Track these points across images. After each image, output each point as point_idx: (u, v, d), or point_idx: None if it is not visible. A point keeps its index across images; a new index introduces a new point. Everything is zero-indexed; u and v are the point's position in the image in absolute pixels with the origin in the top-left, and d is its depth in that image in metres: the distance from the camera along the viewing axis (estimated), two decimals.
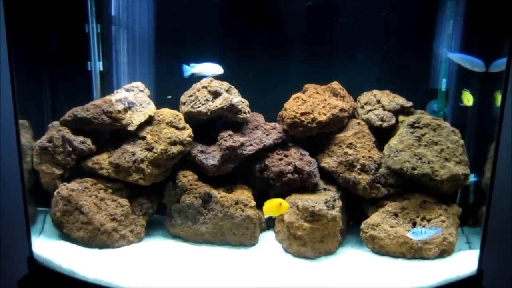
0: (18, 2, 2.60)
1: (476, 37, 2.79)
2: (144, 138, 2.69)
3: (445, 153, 2.55)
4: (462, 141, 2.57)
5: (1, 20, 2.35)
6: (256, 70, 3.06)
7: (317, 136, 2.83)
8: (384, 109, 2.80)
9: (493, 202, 2.36)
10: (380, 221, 2.55)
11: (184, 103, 2.81)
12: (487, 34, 2.74)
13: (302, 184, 2.73)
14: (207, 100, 2.73)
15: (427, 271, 2.35)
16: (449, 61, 2.82)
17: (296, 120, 2.73)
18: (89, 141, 2.69)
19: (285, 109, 2.84)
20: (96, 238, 2.54)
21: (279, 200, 2.39)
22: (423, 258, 2.46)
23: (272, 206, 2.38)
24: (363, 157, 2.69)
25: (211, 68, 2.81)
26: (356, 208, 2.81)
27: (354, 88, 2.94)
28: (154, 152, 2.64)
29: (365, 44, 3.03)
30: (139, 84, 2.88)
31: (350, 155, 2.70)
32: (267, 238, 2.75)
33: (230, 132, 2.71)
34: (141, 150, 2.65)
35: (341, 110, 2.77)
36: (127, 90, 2.83)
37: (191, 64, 2.79)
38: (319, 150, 2.83)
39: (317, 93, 2.89)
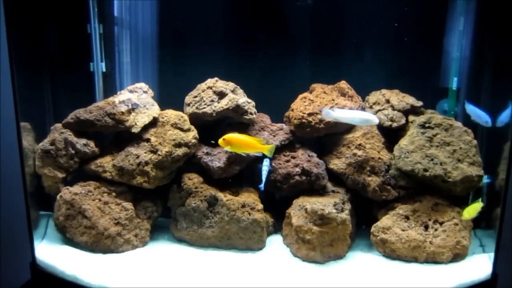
0: (19, 2, 2.55)
1: (487, 34, 2.72)
2: (148, 140, 2.64)
3: (457, 154, 2.48)
4: (475, 142, 2.50)
5: (1, 20, 2.30)
6: (261, 70, 3.00)
7: (325, 137, 2.77)
8: (394, 109, 2.74)
9: (508, 204, 2.30)
10: (391, 224, 2.49)
11: (188, 104, 2.75)
12: (498, 31, 2.67)
13: (310, 186, 2.67)
14: (212, 101, 2.67)
15: (440, 275, 2.29)
16: (460, 59, 2.75)
17: (303, 120, 2.67)
18: (92, 144, 2.64)
19: (292, 110, 2.77)
20: (100, 243, 2.49)
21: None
22: (436, 262, 2.40)
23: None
24: (372, 158, 2.63)
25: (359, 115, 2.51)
26: (365, 211, 2.74)
27: (362, 87, 2.88)
28: (159, 155, 2.58)
29: (373, 42, 2.96)
30: (142, 85, 2.82)
31: (359, 156, 2.63)
32: (275, 242, 2.69)
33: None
34: (145, 153, 2.59)
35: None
36: (131, 91, 2.78)
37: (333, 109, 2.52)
38: (327, 151, 2.77)
39: (325, 93, 2.83)
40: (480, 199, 2.41)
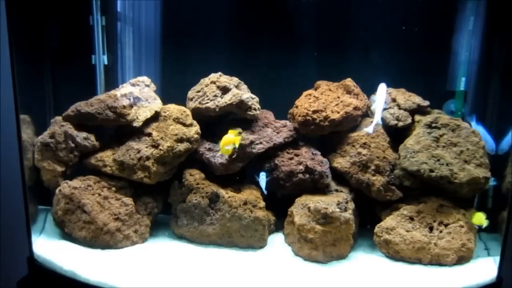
0: None
1: (497, 34, 2.67)
2: (149, 134, 2.59)
3: (464, 155, 2.44)
4: (482, 143, 2.46)
5: (2, 11, 2.26)
6: (266, 66, 2.95)
7: (329, 135, 2.72)
8: (400, 108, 2.70)
9: None
10: (395, 225, 2.45)
11: (191, 99, 2.70)
12: (508, 31, 2.62)
13: (313, 184, 2.63)
14: (215, 95, 2.62)
15: (444, 278, 2.25)
16: (469, 59, 2.70)
17: (308, 118, 2.63)
18: (92, 138, 2.60)
19: (296, 107, 2.73)
20: (99, 238, 2.45)
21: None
22: (440, 264, 2.36)
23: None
24: (377, 157, 2.59)
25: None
26: (368, 211, 2.70)
27: (368, 86, 2.83)
28: (160, 150, 2.54)
29: (380, 41, 2.90)
30: (145, 79, 2.79)
31: (363, 155, 2.59)
32: (276, 241, 2.66)
33: (240, 130, 2.60)
34: (146, 147, 2.55)
35: (355, 108, 2.66)
36: (133, 85, 2.74)
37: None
38: (331, 150, 2.73)
39: (330, 90, 2.78)
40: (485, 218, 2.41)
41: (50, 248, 2.42)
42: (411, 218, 2.47)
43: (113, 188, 2.58)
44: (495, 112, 2.72)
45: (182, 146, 2.57)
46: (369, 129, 2.50)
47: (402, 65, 2.86)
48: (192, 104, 2.69)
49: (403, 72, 2.88)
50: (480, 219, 2.38)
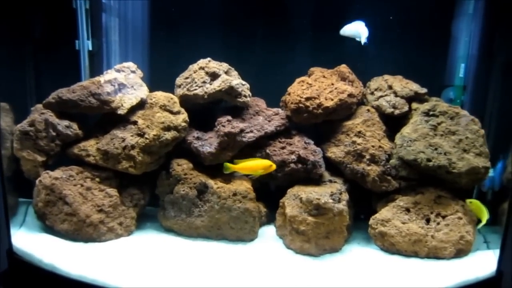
0: None
1: (500, 19, 2.56)
2: (135, 122, 2.49)
3: (463, 144, 2.34)
4: (482, 131, 2.37)
5: None
6: (257, 52, 2.85)
7: (323, 124, 2.63)
8: (396, 96, 2.60)
9: None
10: (390, 217, 2.36)
11: (179, 86, 2.60)
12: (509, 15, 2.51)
13: (306, 175, 2.54)
14: (204, 82, 2.51)
15: (442, 271, 2.17)
16: (469, 45, 2.60)
17: (300, 105, 2.52)
18: (75, 126, 2.49)
19: (289, 94, 2.63)
20: (81, 231, 2.35)
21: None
22: (438, 257, 2.28)
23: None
24: (372, 146, 2.49)
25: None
26: (363, 202, 2.60)
27: (363, 73, 2.72)
28: (146, 138, 2.43)
29: (376, 25, 2.79)
30: (130, 65, 2.67)
31: (358, 144, 2.49)
32: (267, 233, 2.58)
33: (229, 117, 2.51)
34: (131, 136, 2.44)
35: (350, 95, 2.56)
36: (118, 71, 2.63)
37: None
38: (324, 139, 2.64)
39: (324, 77, 2.68)
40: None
41: (30, 241, 2.32)
42: (408, 210, 2.37)
43: (97, 179, 2.47)
44: (496, 106, 2.62)
45: (169, 135, 2.46)
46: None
47: (399, 52, 2.75)
48: (180, 91, 2.58)
49: (400, 61, 2.77)
50: (483, 214, 2.29)
